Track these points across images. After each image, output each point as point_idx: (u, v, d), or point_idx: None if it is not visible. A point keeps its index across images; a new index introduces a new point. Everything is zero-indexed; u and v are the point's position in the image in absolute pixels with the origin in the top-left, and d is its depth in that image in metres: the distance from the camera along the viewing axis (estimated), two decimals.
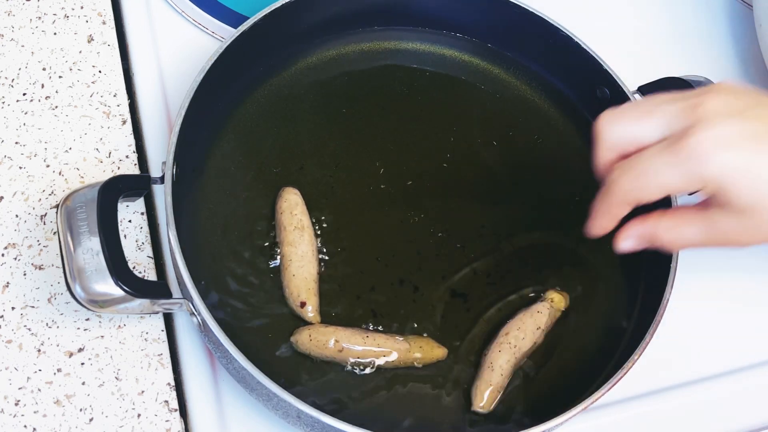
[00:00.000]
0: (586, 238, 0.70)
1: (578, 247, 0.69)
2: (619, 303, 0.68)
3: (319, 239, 0.66)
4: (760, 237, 0.54)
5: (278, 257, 0.65)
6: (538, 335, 0.64)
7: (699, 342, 0.71)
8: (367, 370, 0.62)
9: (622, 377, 0.59)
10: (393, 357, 0.62)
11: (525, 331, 0.64)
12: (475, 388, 0.62)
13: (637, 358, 0.60)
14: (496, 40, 0.77)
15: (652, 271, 0.67)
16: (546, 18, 0.73)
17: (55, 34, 0.74)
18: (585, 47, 0.72)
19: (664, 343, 0.65)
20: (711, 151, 0.50)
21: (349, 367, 0.62)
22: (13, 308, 0.64)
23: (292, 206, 0.66)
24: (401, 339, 0.63)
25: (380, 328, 0.64)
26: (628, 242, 0.58)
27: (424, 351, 0.63)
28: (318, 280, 0.64)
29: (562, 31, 0.73)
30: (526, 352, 0.64)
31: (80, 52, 0.74)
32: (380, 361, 0.62)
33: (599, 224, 0.57)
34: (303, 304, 0.63)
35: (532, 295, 0.66)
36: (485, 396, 0.62)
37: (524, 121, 0.75)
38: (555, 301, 0.66)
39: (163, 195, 0.61)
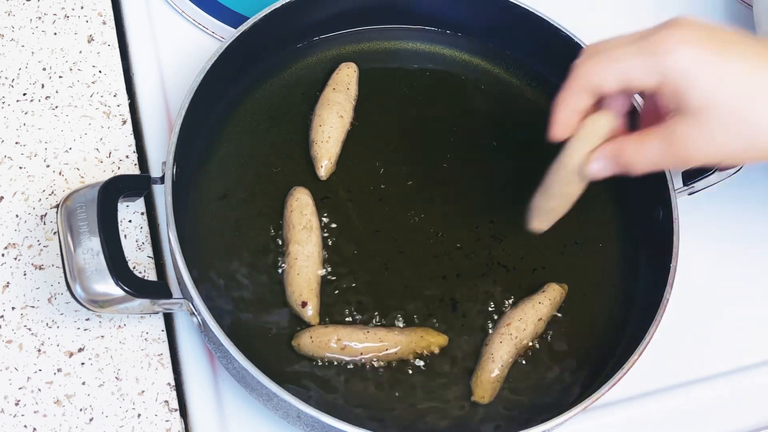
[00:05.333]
0: (587, 238, 0.70)
1: (578, 247, 0.69)
2: (619, 302, 0.68)
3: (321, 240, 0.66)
4: (717, 147, 0.53)
5: (282, 256, 0.65)
6: (540, 326, 0.64)
7: (699, 342, 0.71)
8: (369, 366, 0.62)
9: (622, 377, 0.59)
10: (395, 349, 0.62)
11: (526, 321, 0.64)
12: (476, 378, 0.62)
13: (637, 358, 0.60)
14: (496, 40, 0.77)
15: (652, 271, 0.67)
16: (546, 18, 0.73)
17: (55, 34, 0.74)
18: (585, 47, 0.72)
19: (664, 343, 0.64)
20: (675, 46, 0.53)
21: (351, 365, 0.62)
22: (13, 308, 0.64)
23: (303, 206, 0.66)
24: (401, 331, 0.63)
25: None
26: (597, 163, 0.57)
27: (425, 339, 0.63)
28: (320, 281, 0.64)
29: (562, 31, 0.73)
30: (527, 342, 0.64)
31: (80, 52, 0.74)
32: (382, 354, 0.62)
33: (559, 119, 0.57)
34: (304, 304, 0.62)
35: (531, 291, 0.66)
36: (486, 387, 0.62)
37: (524, 121, 0.75)
38: (555, 291, 0.66)
39: (163, 195, 0.61)
